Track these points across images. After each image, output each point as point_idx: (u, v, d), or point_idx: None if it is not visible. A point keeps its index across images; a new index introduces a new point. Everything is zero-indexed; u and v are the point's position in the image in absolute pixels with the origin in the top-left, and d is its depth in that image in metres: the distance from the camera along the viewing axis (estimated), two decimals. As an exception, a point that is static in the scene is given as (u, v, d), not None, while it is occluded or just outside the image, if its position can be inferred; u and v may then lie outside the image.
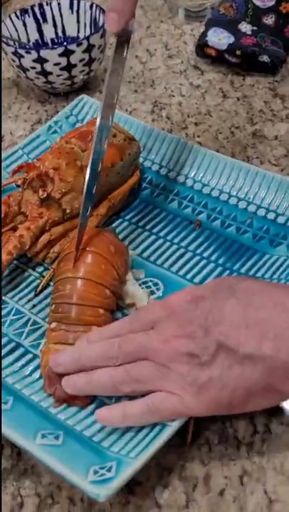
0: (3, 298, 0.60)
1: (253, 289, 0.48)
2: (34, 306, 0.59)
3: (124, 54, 0.59)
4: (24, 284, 0.61)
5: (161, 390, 0.48)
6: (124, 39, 0.58)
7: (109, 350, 0.49)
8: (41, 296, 0.60)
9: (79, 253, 0.55)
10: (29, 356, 0.55)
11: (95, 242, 0.57)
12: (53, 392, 0.51)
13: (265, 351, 0.45)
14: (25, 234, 0.60)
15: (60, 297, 0.54)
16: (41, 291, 0.60)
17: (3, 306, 0.59)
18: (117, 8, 0.54)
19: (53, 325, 0.54)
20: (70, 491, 0.48)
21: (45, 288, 0.60)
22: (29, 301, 0.59)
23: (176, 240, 0.64)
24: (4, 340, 0.56)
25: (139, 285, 0.59)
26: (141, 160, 0.70)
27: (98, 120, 0.57)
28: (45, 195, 0.61)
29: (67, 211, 0.63)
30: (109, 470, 0.44)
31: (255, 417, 0.52)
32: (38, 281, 0.61)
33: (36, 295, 0.60)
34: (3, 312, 0.59)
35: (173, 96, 0.85)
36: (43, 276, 0.61)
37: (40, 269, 0.63)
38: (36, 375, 0.53)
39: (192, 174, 0.69)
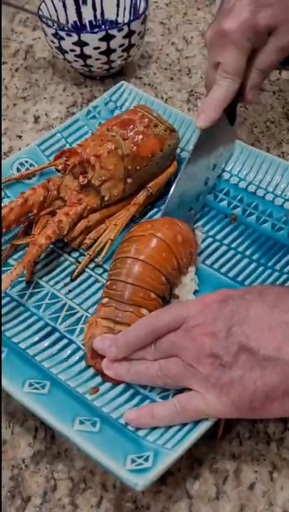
0: (39, 281, 0.60)
1: (281, 292, 0.49)
2: (70, 291, 0.59)
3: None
4: (60, 269, 0.61)
5: (189, 388, 0.48)
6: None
7: (146, 346, 0.50)
8: (77, 281, 0.60)
9: (146, 237, 0.56)
10: (65, 341, 0.55)
11: (164, 228, 0.57)
12: (93, 364, 0.53)
13: (284, 355, 0.45)
14: (64, 219, 0.60)
15: (117, 275, 0.55)
16: (77, 276, 0.61)
17: (39, 290, 0.60)
18: (208, 108, 0.63)
19: (105, 300, 0.55)
20: (103, 476, 0.49)
21: (80, 274, 0.61)
22: (65, 285, 0.60)
23: (211, 233, 0.65)
24: (40, 324, 0.57)
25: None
26: (178, 151, 0.70)
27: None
28: (85, 181, 0.61)
29: (106, 198, 0.63)
30: (146, 460, 0.45)
31: (286, 414, 0.52)
32: (74, 266, 0.61)
33: (72, 280, 0.60)
34: (39, 296, 0.59)
35: (209, 86, 0.85)
36: (79, 262, 0.62)
37: (75, 254, 0.63)
38: (72, 360, 0.54)
39: (229, 168, 0.69)
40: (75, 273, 0.60)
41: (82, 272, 0.61)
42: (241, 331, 0.46)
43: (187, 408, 0.48)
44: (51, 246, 0.63)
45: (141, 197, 0.64)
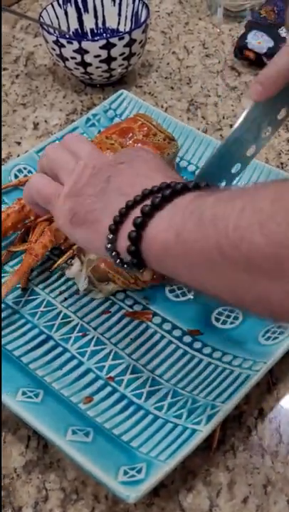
0: (35, 289, 0.60)
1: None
2: (66, 299, 0.59)
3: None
4: (56, 276, 0.61)
5: None
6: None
7: None
8: (72, 289, 0.60)
9: None
10: (59, 349, 0.55)
11: None
12: None
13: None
14: (60, 227, 0.60)
15: None
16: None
17: (35, 297, 0.59)
18: (265, 81, 0.51)
19: None
20: (95, 487, 0.49)
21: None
22: (61, 293, 0.60)
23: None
24: (35, 331, 0.56)
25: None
26: (177, 160, 0.70)
27: None
28: (83, 189, 0.61)
29: (103, 206, 0.63)
30: (139, 472, 0.45)
31: (282, 426, 0.52)
32: (70, 275, 0.61)
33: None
34: (35, 303, 0.59)
35: (209, 96, 0.85)
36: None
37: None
38: (66, 369, 0.53)
39: (228, 178, 0.69)
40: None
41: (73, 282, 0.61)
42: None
43: None
44: (47, 253, 0.62)
45: None
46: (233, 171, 0.56)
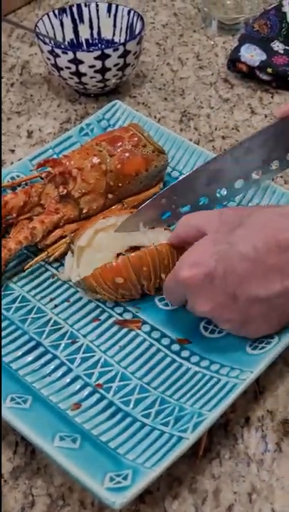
0: (25, 295, 0.61)
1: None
2: (56, 306, 0.60)
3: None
4: (46, 284, 0.62)
5: None
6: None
7: None
8: (63, 297, 0.61)
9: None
10: (49, 356, 0.55)
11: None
12: None
13: None
14: (38, 226, 0.61)
15: None
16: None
17: (25, 304, 0.60)
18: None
19: None
20: (82, 493, 0.49)
21: (61, 286, 0.61)
22: (51, 300, 0.60)
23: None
24: (25, 338, 0.57)
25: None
26: (169, 170, 0.71)
27: None
28: (64, 192, 0.63)
29: (84, 211, 0.64)
30: (125, 478, 0.45)
31: (267, 435, 0.53)
32: (61, 281, 0.62)
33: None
34: (25, 310, 0.59)
35: (202, 107, 0.86)
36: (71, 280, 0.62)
37: (63, 270, 0.63)
38: (55, 375, 0.54)
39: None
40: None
41: (68, 287, 0.61)
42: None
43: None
44: (42, 262, 0.63)
45: (113, 209, 0.65)
46: (218, 195, 0.63)
